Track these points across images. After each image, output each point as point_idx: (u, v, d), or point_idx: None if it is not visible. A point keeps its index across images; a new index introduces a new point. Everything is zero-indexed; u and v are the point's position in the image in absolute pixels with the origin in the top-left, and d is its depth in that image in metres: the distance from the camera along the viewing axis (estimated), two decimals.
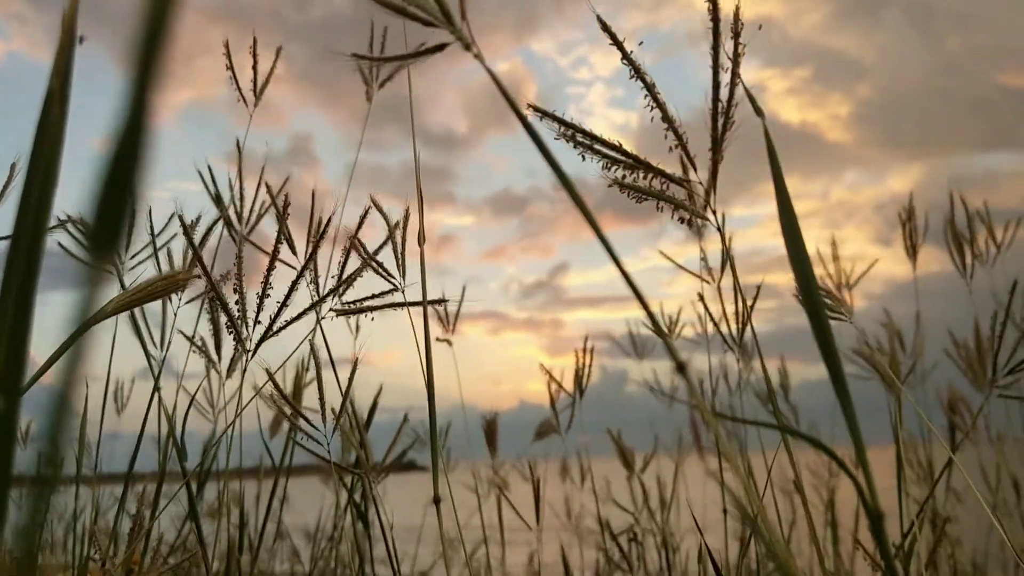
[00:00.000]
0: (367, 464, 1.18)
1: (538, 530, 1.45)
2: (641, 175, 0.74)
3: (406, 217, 1.27)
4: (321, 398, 1.13)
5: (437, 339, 1.44)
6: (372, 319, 1.06)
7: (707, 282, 1.31)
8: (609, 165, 0.74)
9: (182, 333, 1.16)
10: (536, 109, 0.72)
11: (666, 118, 0.73)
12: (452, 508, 1.49)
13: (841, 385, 0.45)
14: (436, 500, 0.73)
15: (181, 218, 1.11)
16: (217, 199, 1.19)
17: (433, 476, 0.69)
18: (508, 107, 0.50)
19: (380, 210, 1.31)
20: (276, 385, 1.08)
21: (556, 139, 0.75)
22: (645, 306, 0.45)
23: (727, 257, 1.34)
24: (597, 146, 0.74)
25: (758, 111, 0.65)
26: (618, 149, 0.73)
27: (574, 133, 0.73)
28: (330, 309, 1.07)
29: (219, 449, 1.25)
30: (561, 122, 0.72)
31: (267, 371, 1.07)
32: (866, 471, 0.44)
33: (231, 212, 1.24)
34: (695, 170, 0.72)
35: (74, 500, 1.42)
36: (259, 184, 1.24)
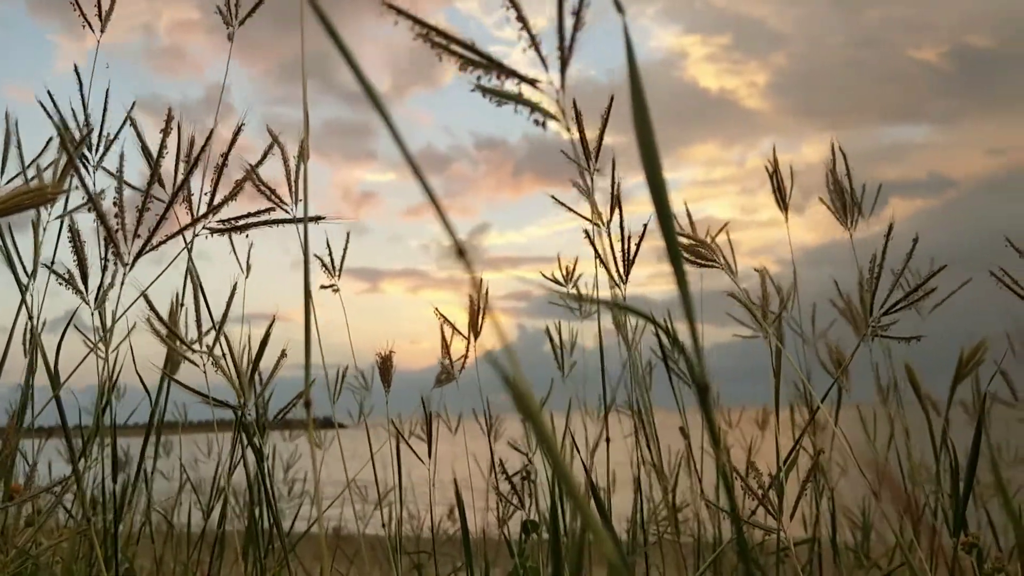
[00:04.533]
0: (246, 397, 1.17)
1: (431, 464, 1.46)
2: (495, 75, 0.74)
3: (304, 139, 1.25)
4: (199, 321, 1.12)
5: (322, 287, 1.42)
6: (247, 236, 1.05)
7: (597, 225, 1.33)
8: (466, 67, 0.75)
9: (46, 265, 1.13)
10: (390, 7, 0.72)
11: (520, 17, 0.73)
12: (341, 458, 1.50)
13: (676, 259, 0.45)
14: (307, 403, 0.73)
15: (59, 128, 1.07)
16: (62, 122, 1.14)
17: (305, 376, 0.69)
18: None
19: (276, 140, 1.29)
20: (151, 304, 1.06)
21: (415, 40, 0.75)
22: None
23: (615, 197, 1.36)
24: (453, 47, 0.74)
25: None
26: (472, 49, 0.74)
27: (428, 32, 0.73)
28: (203, 227, 1.06)
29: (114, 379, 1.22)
30: (417, 21, 0.73)
31: (144, 295, 1.05)
32: (696, 342, 0.46)
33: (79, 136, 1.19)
34: (547, 69, 0.73)
35: None
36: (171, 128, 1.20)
